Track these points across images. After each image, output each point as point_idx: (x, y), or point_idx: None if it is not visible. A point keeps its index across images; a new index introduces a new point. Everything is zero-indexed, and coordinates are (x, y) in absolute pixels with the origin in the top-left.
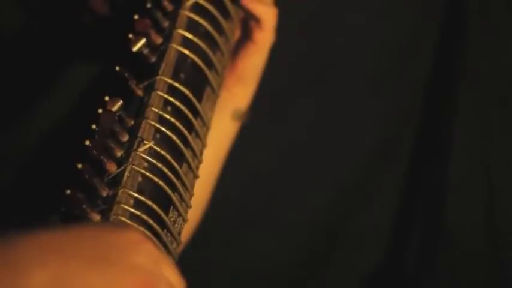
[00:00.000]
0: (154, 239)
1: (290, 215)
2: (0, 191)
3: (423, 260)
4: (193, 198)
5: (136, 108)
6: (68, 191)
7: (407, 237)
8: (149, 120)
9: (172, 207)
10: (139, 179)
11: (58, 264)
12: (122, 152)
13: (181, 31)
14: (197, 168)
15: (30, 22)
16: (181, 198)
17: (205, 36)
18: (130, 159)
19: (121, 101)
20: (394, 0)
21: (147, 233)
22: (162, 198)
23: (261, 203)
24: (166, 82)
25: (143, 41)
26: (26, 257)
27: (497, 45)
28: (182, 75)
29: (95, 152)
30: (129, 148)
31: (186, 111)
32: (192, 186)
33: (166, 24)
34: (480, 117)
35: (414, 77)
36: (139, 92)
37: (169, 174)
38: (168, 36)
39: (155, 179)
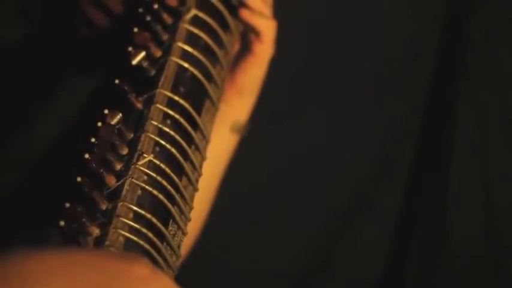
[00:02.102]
0: (162, 274)
1: (289, 226)
2: (0, 204)
3: (423, 272)
4: (192, 211)
5: (136, 121)
6: (67, 204)
7: (407, 249)
8: (149, 134)
9: (171, 220)
10: (139, 192)
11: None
12: (121, 165)
13: (180, 44)
14: (197, 181)
15: (30, 34)
16: (181, 212)
17: (205, 49)
18: (130, 173)
19: (120, 114)
20: (394, 15)
21: (148, 247)
22: (162, 212)
23: (260, 215)
24: (166, 95)
25: (143, 54)
26: (31, 278)
27: (497, 59)
28: (182, 88)
29: (94, 165)
30: (129, 161)
31: (186, 124)
32: (192, 199)
33: (165, 37)
34: (480, 130)
35: (414, 90)
36: (139, 105)
37: (169, 187)
38: (167, 49)
39: (155, 192)
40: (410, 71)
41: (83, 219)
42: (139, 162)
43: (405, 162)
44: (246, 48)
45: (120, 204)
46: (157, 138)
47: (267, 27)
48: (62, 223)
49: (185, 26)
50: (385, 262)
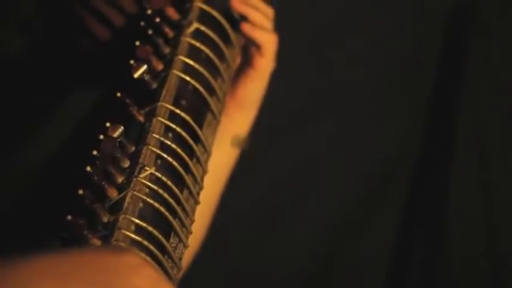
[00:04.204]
0: (154, 263)
1: (290, 239)
2: (2, 216)
3: (424, 282)
4: (193, 224)
5: (138, 134)
6: (69, 217)
7: (408, 264)
8: (150, 147)
9: (173, 233)
10: (140, 204)
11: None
12: (123, 178)
13: (182, 57)
14: (198, 194)
15: (32, 47)
16: (182, 224)
17: (207, 62)
18: (131, 185)
19: (122, 127)
20: (393, 28)
21: (147, 258)
22: (163, 224)
23: (261, 227)
24: (168, 108)
25: (144, 67)
26: (25, 281)
27: (497, 69)
28: (183, 102)
29: (96, 178)
30: (130, 174)
31: (187, 137)
32: (193, 212)
33: (167, 50)
34: (480, 142)
35: (415, 102)
36: (141, 118)
37: (170, 200)
38: (169, 63)
39: (156, 205)
40: (410, 83)
41: (85, 232)
42: (141, 175)
43: (405, 177)
44: (247, 62)
45: (121, 216)
46: (158, 151)
47: (268, 41)
48: (64, 235)
49: (187, 39)
50: (386, 277)
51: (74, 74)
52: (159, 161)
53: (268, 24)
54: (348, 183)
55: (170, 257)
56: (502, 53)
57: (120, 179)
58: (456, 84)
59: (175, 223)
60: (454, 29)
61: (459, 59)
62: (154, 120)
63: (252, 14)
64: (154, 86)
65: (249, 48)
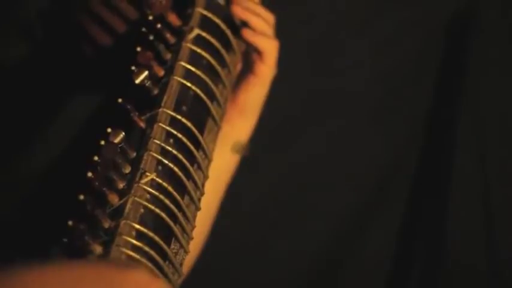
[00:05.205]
0: (161, 277)
1: (290, 246)
2: (3, 222)
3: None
4: (194, 230)
5: (139, 140)
6: (70, 222)
7: (408, 272)
8: (151, 152)
9: (174, 238)
10: (141, 210)
11: None
12: (124, 184)
13: (183, 63)
14: (199, 200)
15: (33, 54)
16: (183, 230)
17: (208, 68)
18: (133, 191)
19: (123, 133)
20: (393, 34)
21: (150, 266)
22: (164, 230)
23: (261, 234)
24: (169, 114)
25: (145, 73)
26: None
27: (497, 69)
28: (184, 108)
29: (97, 183)
30: (131, 180)
31: (188, 143)
32: (194, 217)
33: (168, 56)
34: (480, 142)
35: (414, 110)
36: (142, 124)
37: (171, 206)
38: (170, 69)
39: (157, 210)
40: (410, 86)
41: (86, 237)
42: (142, 181)
43: (405, 185)
44: (248, 68)
45: (122, 222)
46: (160, 157)
47: (269, 47)
48: (65, 241)
49: (188, 45)
50: (386, 284)
51: (75, 79)
52: (160, 167)
53: (270, 30)
54: (349, 184)
55: (171, 262)
56: (502, 53)
57: (121, 185)
58: (456, 84)
59: (176, 229)
60: (454, 29)
61: (459, 60)
62: (155, 126)
63: (253, 20)
64: (156, 91)
65: (250, 54)
